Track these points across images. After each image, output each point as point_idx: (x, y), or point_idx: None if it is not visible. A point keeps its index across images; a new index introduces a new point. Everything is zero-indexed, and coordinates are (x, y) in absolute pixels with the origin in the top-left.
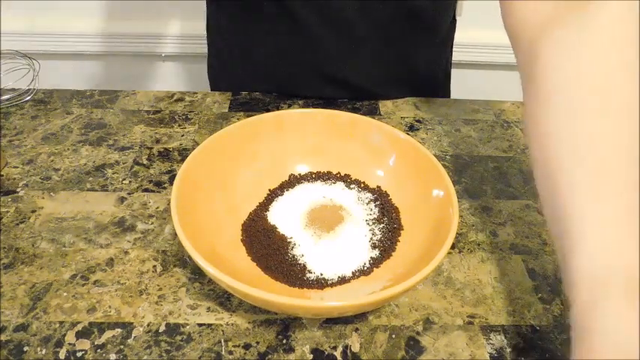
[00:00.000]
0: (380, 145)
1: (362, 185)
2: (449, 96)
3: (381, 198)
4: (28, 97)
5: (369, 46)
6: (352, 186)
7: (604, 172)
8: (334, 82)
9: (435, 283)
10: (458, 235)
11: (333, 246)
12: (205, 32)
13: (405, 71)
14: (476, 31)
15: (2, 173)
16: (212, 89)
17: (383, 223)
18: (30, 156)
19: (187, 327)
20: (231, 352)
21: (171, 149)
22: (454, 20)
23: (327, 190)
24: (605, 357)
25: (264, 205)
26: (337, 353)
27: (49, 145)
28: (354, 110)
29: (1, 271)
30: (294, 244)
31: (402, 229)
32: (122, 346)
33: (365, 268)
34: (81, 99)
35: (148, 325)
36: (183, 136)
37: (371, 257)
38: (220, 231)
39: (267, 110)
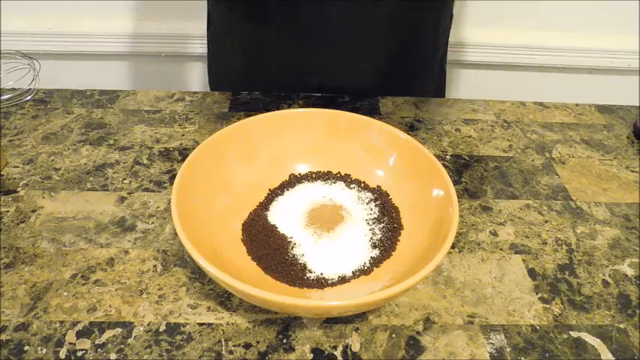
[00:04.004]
0: (380, 145)
1: (362, 185)
2: (444, 91)
3: (381, 198)
4: (29, 97)
5: (367, 43)
6: (352, 186)
7: None
8: (333, 79)
9: (435, 283)
10: (458, 234)
11: (333, 246)
12: (205, 32)
13: (401, 66)
14: (476, 31)
15: (2, 173)
16: (212, 89)
17: (383, 222)
18: (30, 156)
19: (188, 326)
20: (231, 352)
21: (171, 149)
22: (452, 16)
23: (327, 189)
24: None
25: (264, 205)
26: (337, 353)
27: (50, 144)
28: (354, 110)
29: (1, 270)
30: (294, 244)
31: (402, 229)
32: (122, 346)
33: (365, 267)
34: (81, 99)
35: (149, 324)
36: (183, 135)
37: (371, 257)
38: (220, 231)
39: (267, 110)
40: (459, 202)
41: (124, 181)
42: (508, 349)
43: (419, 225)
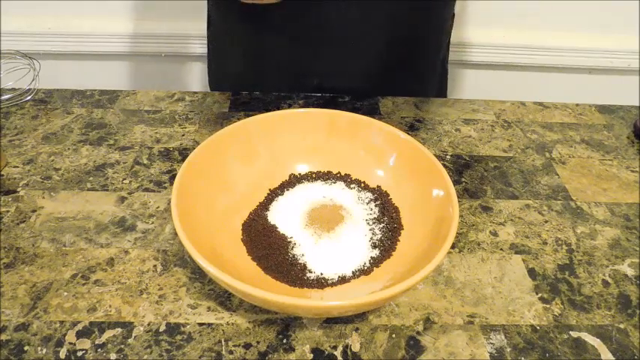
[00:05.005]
0: (380, 145)
1: (362, 185)
2: (446, 91)
3: (381, 198)
4: (29, 97)
5: (368, 43)
6: (352, 186)
7: None
8: (333, 79)
9: (435, 283)
10: (458, 234)
11: (333, 245)
12: (205, 32)
13: (402, 66)
14: (476, 31)
15: (3, 173)
16: (212, 89)
17: (383, 222)
18: (30, 156)
19: (188, 326)
20: (231, 352)
21: (171, 149)
22: (453, 16)
23: (327, 189)
24: None
25: (264, 205)
26: (337, 353)
27: (50, 144)
28: (354, 110)
29: (1, 270)
30: (295, 244)
31: (402, 229)
32: (122, 346)
33: (365, 267)
34: (81, 99)
35: (149, 324)
36: (183, 135)
37: (371, 257)
38: (220, 231)
39: (267, 110)
40: (459, 202)
41: (124, 181)
42: (508, 349)
43: (419, 225)
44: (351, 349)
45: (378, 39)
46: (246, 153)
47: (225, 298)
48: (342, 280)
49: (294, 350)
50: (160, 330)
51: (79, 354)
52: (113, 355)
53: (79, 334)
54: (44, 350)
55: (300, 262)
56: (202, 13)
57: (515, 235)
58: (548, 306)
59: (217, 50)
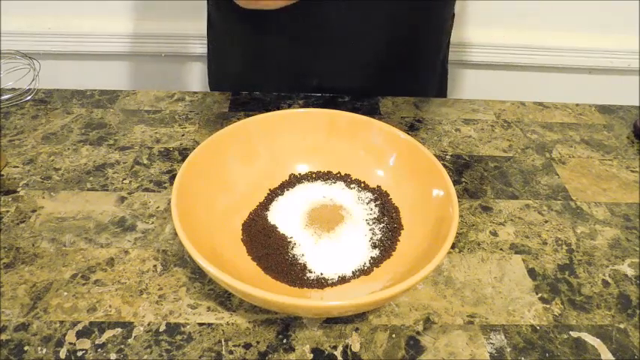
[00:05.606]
0: (380, 145)
1: (362, 185)
2: (446, 91)
3: (381, 198)
4: (29, 97)
5: (368, 43)
6: (352, 186)
7: None
8: (333, 79)
9: (435, 283)
10: (458, 234)
11: (333, 245)
12: (205, 32)
13: (402, 67)
14: (476, 31)
15: (2, 173)
16: (212, 89)
17: (383, 222)
18: (30, 156)
19: (188, 326)
20: (231, 352)
21: (171, 149)
22: (453, 16)
23: (327, 189)
24: None
25: (265, 205)
26: (337, 353)
27: (50, 144)
28: (354, 110)
29: (1, 270)
30: (294, 244)
31: (402, 229)
32: (122, 346)
33: (365, 267)
34: (81, 99)
35: (149, 324)
36: (183, 135)
37: (371, 257)
38: (220, 231)
39: (267, 110)
40: (459, 202)
41: (124, 181)
42: (508, 349)
43: (419, 225)
44: (351, 349)
45: (378, 39)
46: (246, 153)
47: (225, 298)
48: (342, 280)
49: (294, 350)
50: (160, 330)
51: (79, 354)
52: (113, 355)
53: (79, 334)
54: (44, 350)
55: (300, 262)
56: (202, 13)
57: (515, 235)
58: (548, 306)
59: (217, 50)
